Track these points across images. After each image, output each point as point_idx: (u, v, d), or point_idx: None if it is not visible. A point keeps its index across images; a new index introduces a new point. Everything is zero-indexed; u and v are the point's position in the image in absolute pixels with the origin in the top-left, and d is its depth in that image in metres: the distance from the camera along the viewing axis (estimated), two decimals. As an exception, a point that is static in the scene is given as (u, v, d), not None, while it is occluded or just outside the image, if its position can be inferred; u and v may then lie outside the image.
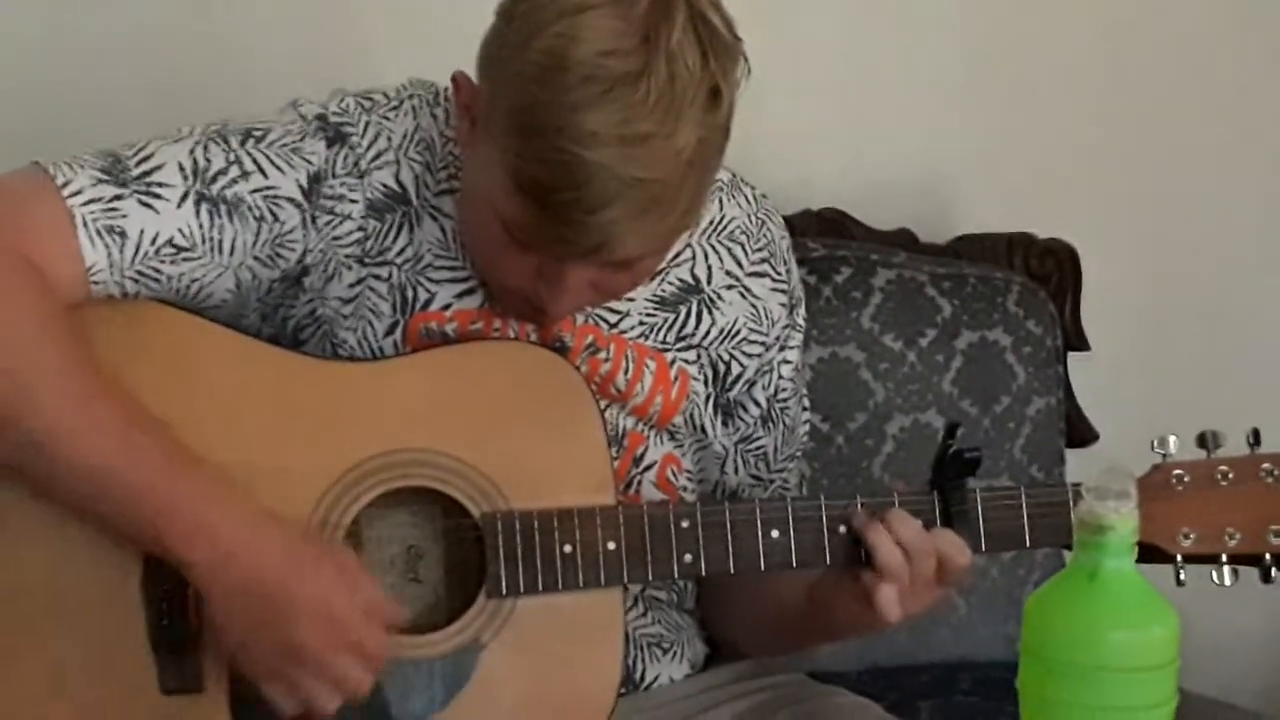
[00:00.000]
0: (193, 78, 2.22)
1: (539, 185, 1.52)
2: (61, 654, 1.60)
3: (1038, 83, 2.52)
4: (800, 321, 1.85)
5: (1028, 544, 1.69)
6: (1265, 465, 1.70)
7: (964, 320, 2.34)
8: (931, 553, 1.63)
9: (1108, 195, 2.54)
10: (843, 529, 1.67)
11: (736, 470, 1.84)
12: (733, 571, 1.67)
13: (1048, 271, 2.44)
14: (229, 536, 1.54)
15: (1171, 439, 1.69)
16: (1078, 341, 2.43)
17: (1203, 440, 1.70)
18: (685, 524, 1.66)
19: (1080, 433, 2.42)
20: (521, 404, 1.67)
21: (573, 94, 1.49)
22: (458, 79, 1.62)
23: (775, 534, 1.67)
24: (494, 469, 1.65)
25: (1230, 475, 1.69)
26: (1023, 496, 1.69)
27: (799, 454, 1.89)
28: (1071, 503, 1.68)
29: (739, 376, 1.80)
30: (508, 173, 1.54)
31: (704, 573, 1.67)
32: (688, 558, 1.66)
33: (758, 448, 1.84)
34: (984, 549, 1.68)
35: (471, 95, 1.61)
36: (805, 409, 1.89)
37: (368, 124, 1.68)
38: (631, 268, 1.60)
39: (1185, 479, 1.69)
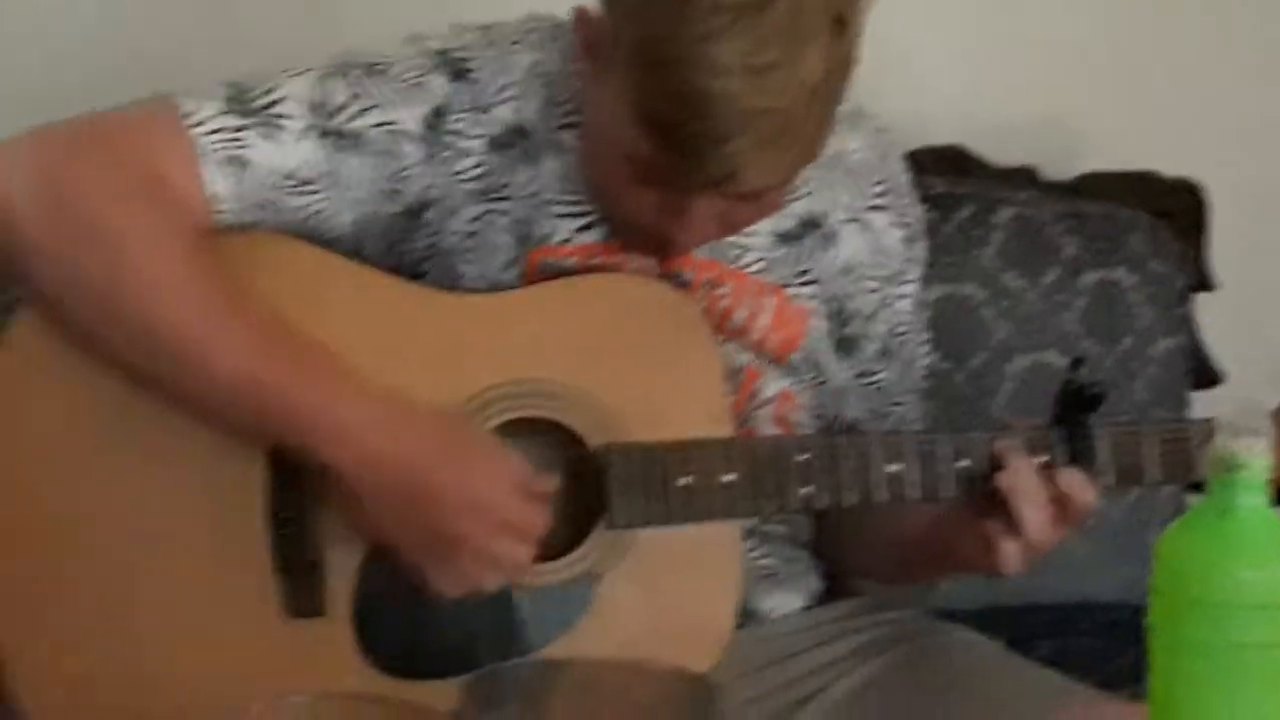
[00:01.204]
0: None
1: (664, 118, 1.51)
2: (180, 573, 1.61)
3: (1162, 17, 2.47)
4: (920, 255, 1.83)
5: (1151, 480, 1.67)
6: (1398, 404, 1.66)
7: (1087, 259, 2.31)
8: (1051, 500, 1.61)
9: (1234, 132, 2.49)
10: (964, 463, 1.65)
11: (855, 405, 1.83)
12: (849, 505, 1.65)
13: (1173, 210, 2.40)
14: (373, 436, 1.56)
15: None
16: (1204, 281, 2.39)
17: None
18: (803, 456, 1.65)
19: (1206, 374, 2.38)
20: (640, 337, 1.67)
21: (697, 24, 1.48)
22: (580, 14, 1.61)
23: (894, 468, 1.65)
24: (612, 400, 1.65)
25: (1363, 415, 1.65)
26: (1148, 432, 1.66)
27: (919, 389, 1.87)
28: (1194, 439, 1.66)
29: (857, 312, 1.79)
30: (632, 107, 1.53)
31: (823, 505, 1.66)
32: (806, 490, 1.65)
33: (875, 382, 1.83)
34: (1110, 484, 1.66)
35: (593, 31, 1.59)
36: (924, 344, 1.87)
37: (489, 59, 1.67)
38: (758, 199, 1.59)
39: (1317, 418, 1.65)
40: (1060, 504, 1.61)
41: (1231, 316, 2.44)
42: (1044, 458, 1.65)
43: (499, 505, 1.57)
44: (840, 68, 1.53)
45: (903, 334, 1.83)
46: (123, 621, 1.62)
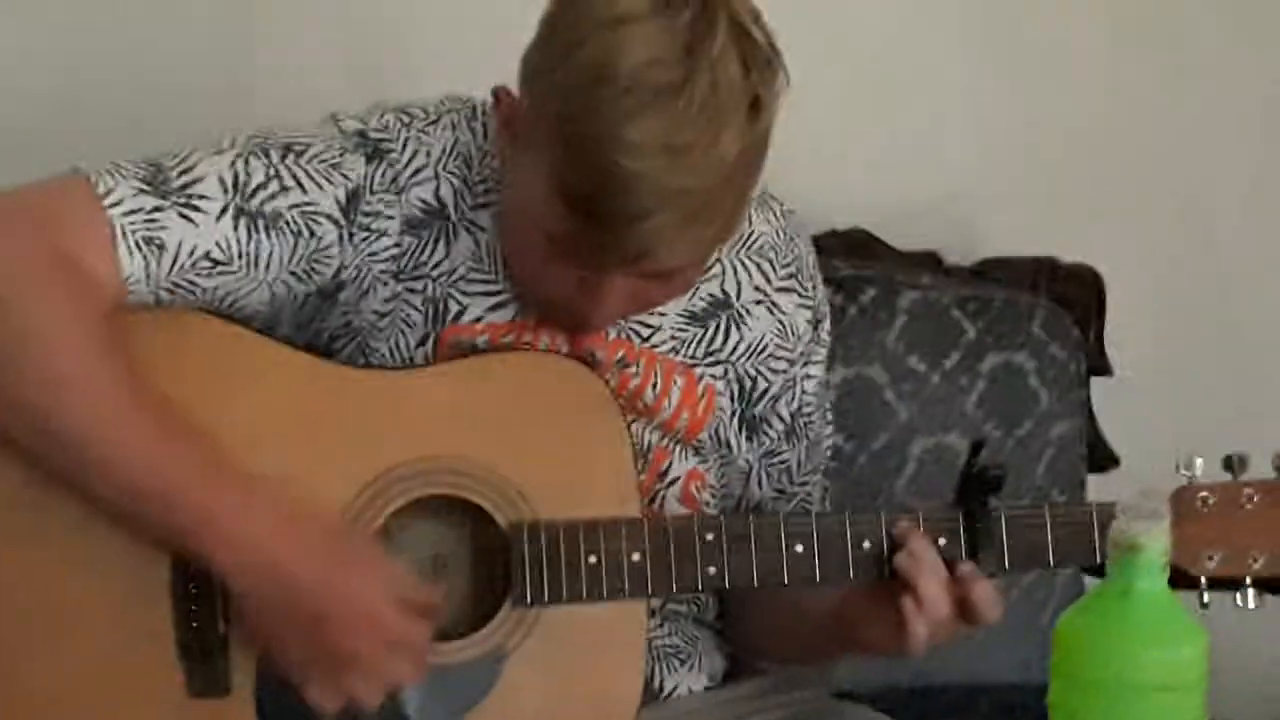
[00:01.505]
0: (232, 89, 2.23)
1: (583, 195, 1.53)
2: (86, 655, 1.60)
3: (1062, 106, 2.52)
4: (825, 337, 1.85)
5: (1051, 563, 1.69)
6: (1292, 490, 1.69)
7: (988, 343, 2.34)
8: (955, 599, 1.63)
9: (1131, 219, 2.54)
10: (866, 545, 1.67)
11: (760, 484, 1.85)
12: (756, 585, 1.67)
13: (1072, 295, 2.44)
14: (266, 544, 1.56)
15: (1198, 460, 1.70)
16: (1100, 366, 2.43)
17: (1229, 463, 1.71)
18: (710, 536, 1.67)
19: (1102, 457, 2.42)
20: (549, 414, 1.68)
21: (616, 104, 1.50)
22: (499, 92, 1.63)
23: (799, 548, 1.67)
24: (521, 478, 1.66)
25: (1255, 499, 1.69)
26: (1047, 515, 1.69)
27: (822, 468, 1.89)
28: (1095, 522, 1.69)
29: (764, 392, 1.81)
30: (551, 183, 1.55)
31: (728, 585, 1.67)
32: (712, 570, 1.67)
33: (781, 462, 1.85)
34: (1007, 567, 1.68)
35: (513, 109, 1.62)
36: (829, 424, 1.90)
37: (406, 140, 1.69)
38: (671, 278, 1.61)
39: (1210, 501, 1.69)
40: (961, 601, 1.63)
41: (1127, 401, 2.47)
42: (944, 539, 1.67)
43: (384, 623, 1.57)
44: (755, 148, 1.56)
45: (808, 414, 1.85)
46: (23, 701, 1.60)
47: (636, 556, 1.66)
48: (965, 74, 2.49)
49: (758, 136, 1.56)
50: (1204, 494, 1.70)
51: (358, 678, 1.57)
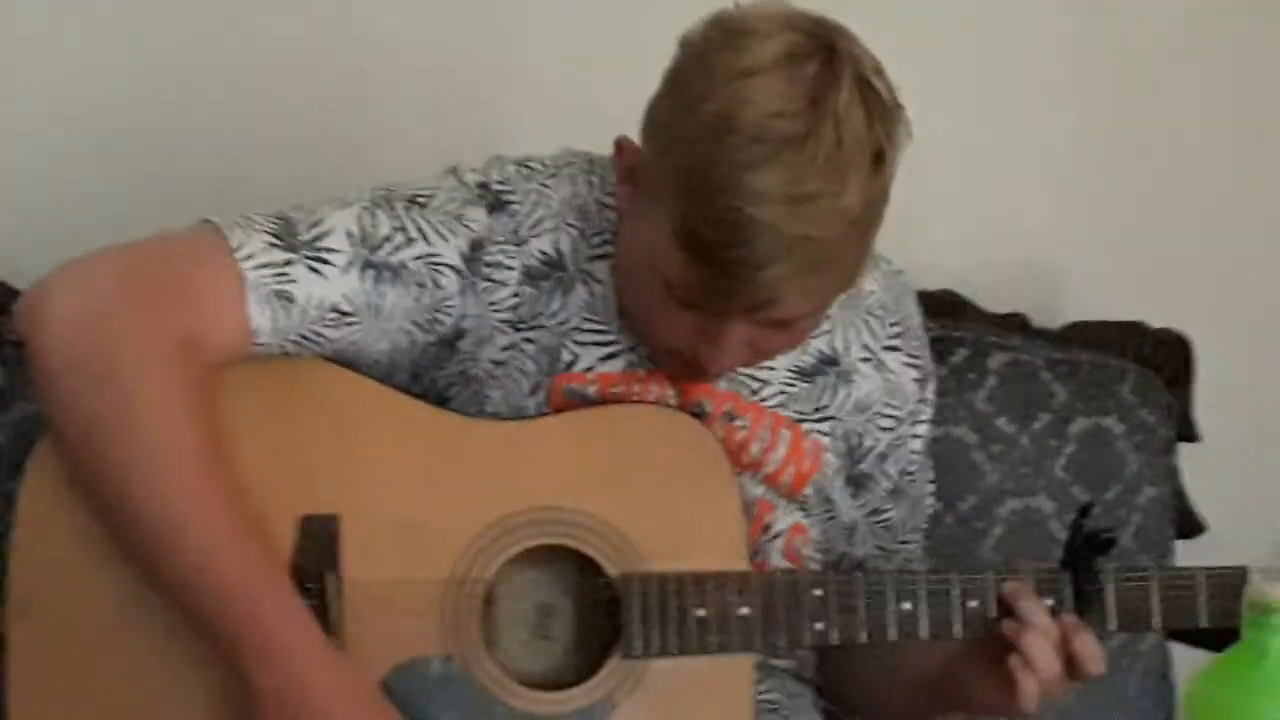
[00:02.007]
0: (331, 151, 2.26)
1: (707, 243, 1.54)
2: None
3: (1152, 169, 2.53)
4: (931, 397, 1.87)
5: (1156, 627, 1.69)
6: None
7: (1078, 406, 2.34)
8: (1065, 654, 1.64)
9: (1220, 283, 2.54)
10: (973, 603, 1.68)
11: (863, 541, 1.86)
12: (863, 641, 1.68)
13: (1159, 360, 2.44)
14: (303, 666, 1.56)
15: None
16: (1188, 432, 2.43)
17: None
18: (818, 592, 1.68)
19: (1189, 524, 2.41)
20: (660, 467, 1.69)
21: (742, 154, 1.52)
22: (622, 143, 1.65)
23: (907, 606, 1.68)
24: (631, 530, 1.67)
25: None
26: (1154, 579, 1.69)
27: (924, 526, 1.90)
28: (1201, 587, 1.69)
29: (871, 450, 1.82)
30: (675, 232, 1.56)
31: (835, 641, 1.68)
32: (819, 626, 1.67)
33: (884, 520, 1.86)
34: (1114, 629, 1.69)
35: (635, 159, 1.64)
36: (931, 483, 1.90)
37: (528, 192, 1.71)
38: (790, 327, 1.63)
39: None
40: (1068, 657, 1.64)
41: (1213, 468, 2.47)
42: (1051, 600, 1.68)
43: None
44: (877, 201, 1.58)
45: (912, 474, 1.86)
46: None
47: (745, 610, 1.66)
48: (1052, 136, 2.50)
49: (880, 189, 1.57)
50: (1314, 560, 1.69)
51: None
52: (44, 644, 1.61)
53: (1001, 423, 2.32)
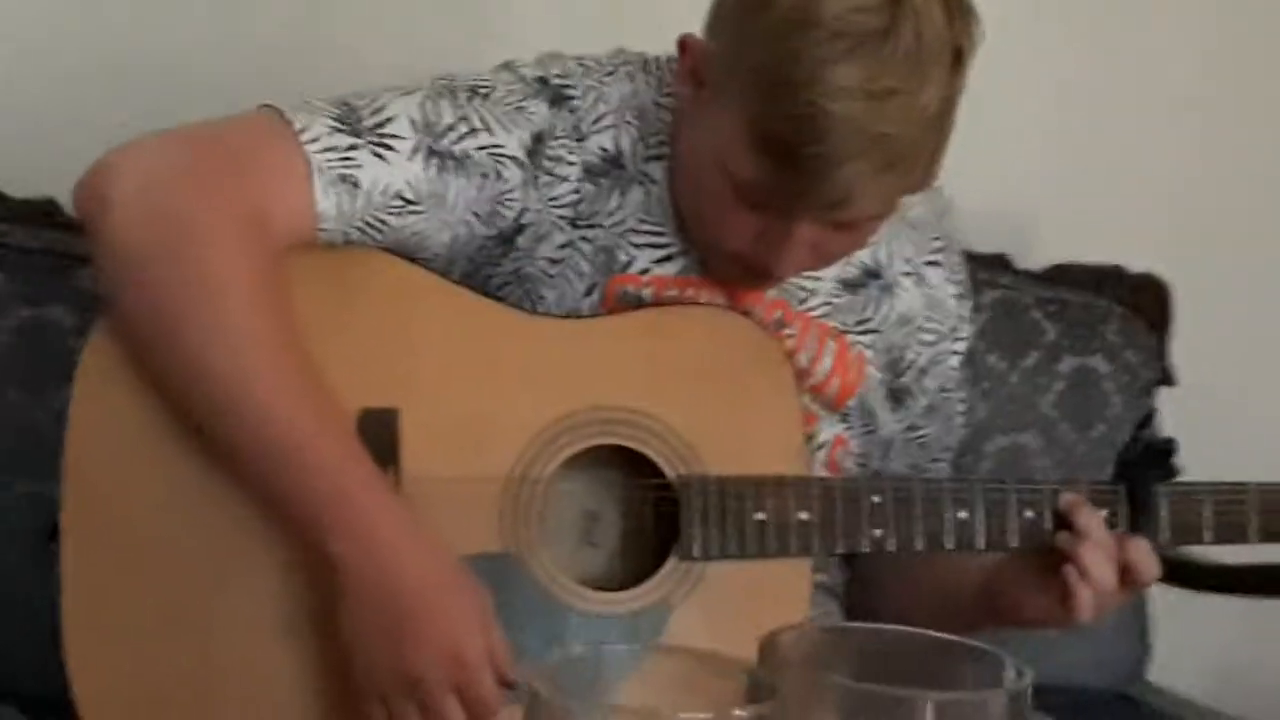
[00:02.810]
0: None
1: (783, 141, 1.52)
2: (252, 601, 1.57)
3: (1124, 112, 2.56)
4: (969, 314, 1.86)
5: (1209, 540, 1.71)
6: None
7: (1066, 345, 2.36)
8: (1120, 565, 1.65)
9: (1196, 229, 2.58)
10: (1029, 514, 1.68)
11: (898, 458, 1.85)
12: (919, 549, 1.67)
13: (1138, 305, 2.46)
14: (386, 539, 1.51)
15: None
16: (1167, 376, 2.45)
17: None
18: (876, 499, 1.67)
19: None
20: (722, 369, 1.67)
21: (821, 49, 1.50)
22: (687, 41, 1.62)
23: (964, 514, 1.67)
24: (691, 432, 1.65)
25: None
26: (1208, 492, 1.70)
27: (953, 447, 1.90)
28: (1254, 501, 1.71)
29: (912, 363, 1.81)
30: (748, 130, 1.54)
31: (891, 549, 1.67)
32: (878, 532, 1.66)
33: (920, 436, 1.85)
34: (1167, 541, 1.70)
35: (701, 58, 1.61)
36: (963, 402, 1.90)
37: (588, 88, 1.68)
38: (856, 229, 1.61)
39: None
40: (1123, 567, 1.64)
41: (1189, 411, 2.50)
42: (1104, 512, 1.68)
43: (473, 669, 1.52)
44: (954, 100, 1.57)
45: (949, 391, 1.86)
46: (193, 640, 1.57)
47: (804, 515, 1.65)
48: (1030, 84, 2.51)
49: (957, 88, 1.56)
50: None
51: (410, 704, 1.51)
52: (100, 530, 1.56)
53: (992, 359, 2.33)
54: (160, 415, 1.56)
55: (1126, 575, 1.65)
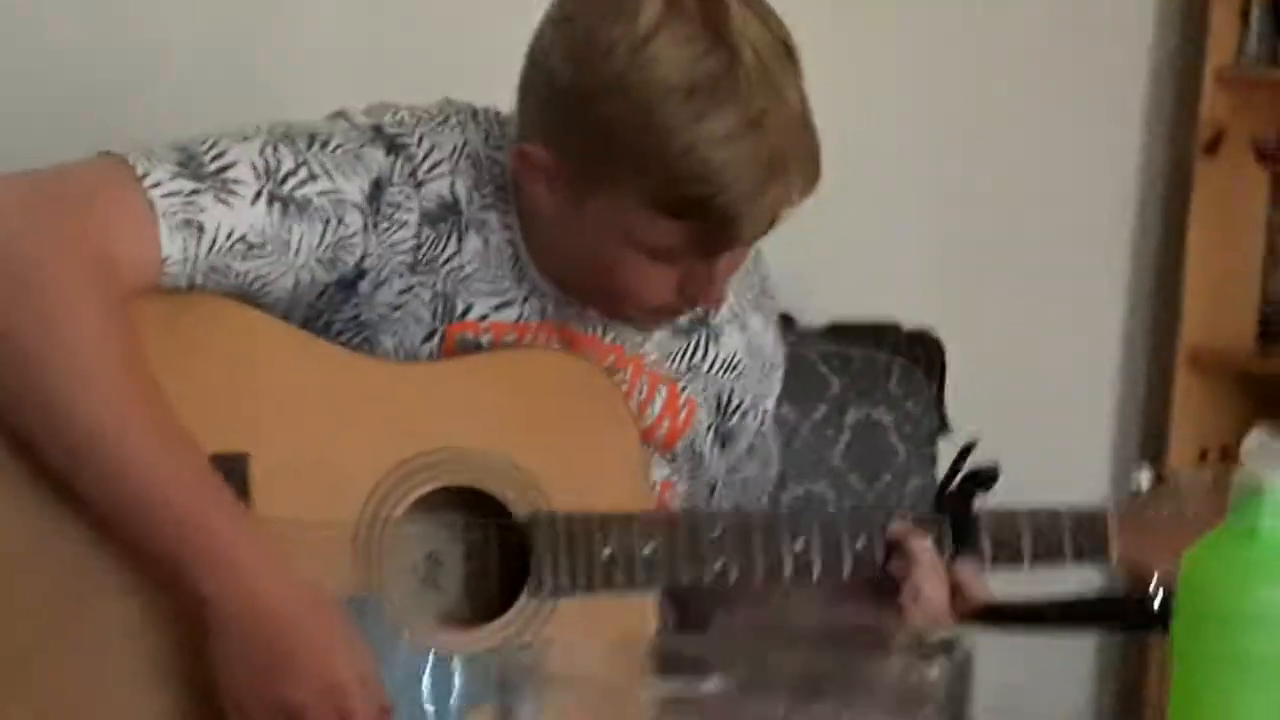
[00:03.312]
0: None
1: (692, 200, 1.59)
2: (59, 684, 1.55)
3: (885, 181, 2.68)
4: (782, 358, 1.93)
5: (1027, 561, 1.79)
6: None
7: (851, 397, 2.45)
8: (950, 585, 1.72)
9: (964, 286, 2.70)
10: (860, 542, 1.74)
11: (720, 500, 1.90)
12: (760, 579, 1.72)
13: (915, 358, 2.56)
14: (250, 575, 1.52)
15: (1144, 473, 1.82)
16: (944, 425, 2.56)
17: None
18: (717, 532, 1.72)
19: (944, 513, 2.53)
20: (563, 409, 1.71)
21: (687, 110, 1.57)
22: (526, 151, 1.66)
23: (799, 544, 1.73)
24: (537, 471, 1.68)
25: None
26: (1023, 515, 1.79)
27: (769, 489, 1.96)
28: (1065, 524, 1.80)
29: (737, 407, 1.87)
30: (651, 203, 1.60)
31: (734, 579, 1.72)
32: (719, 564, 1.71)
33: (741, 479, 1.91)
34: (989, 564, 1.77)
35: (550, 164, 1.65)
36: (775, 444, 1.96)
37: (421, 136, 1.71)
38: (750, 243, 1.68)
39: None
40: (955, 590, 1.72)
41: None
42: (930, 539, 1.76)
43: (349, 693, 1.54)
44: (804, 90, 1.65)
45: (764, 431, 1.92)
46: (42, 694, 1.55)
47: (649, 550, 1.69)
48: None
49: (802, 77, 1.64)
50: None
51: None
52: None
53: (783, 411, 2.40)
54: (2, 462, 1.54)
55: (956, 595, 1.72)
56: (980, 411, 2.62)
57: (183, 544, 1.50)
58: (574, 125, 1.63)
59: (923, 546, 1.72)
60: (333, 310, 1.69)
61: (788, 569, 1.73)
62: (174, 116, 1.95)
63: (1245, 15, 2.83)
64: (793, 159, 1.61)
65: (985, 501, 1.78)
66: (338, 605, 1.56)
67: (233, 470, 1.60)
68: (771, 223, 1.64)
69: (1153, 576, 1.81)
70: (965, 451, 1.77)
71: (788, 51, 1.63)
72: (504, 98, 1.73)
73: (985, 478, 1.76)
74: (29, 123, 2.14)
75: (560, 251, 1.71)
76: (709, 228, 1.61)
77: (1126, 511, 1.83)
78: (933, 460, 2.51)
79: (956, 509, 1.77)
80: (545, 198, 1.67)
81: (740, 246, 1.66)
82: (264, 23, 2.29)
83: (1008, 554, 1.78)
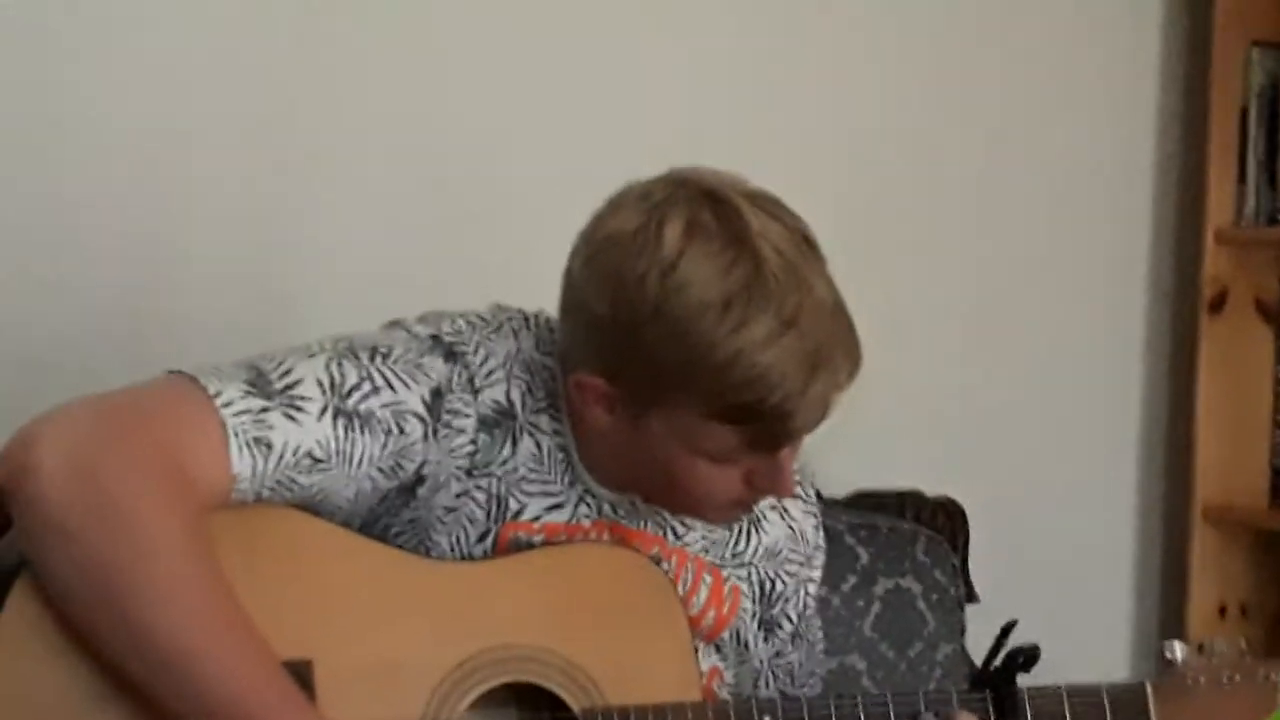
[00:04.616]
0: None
1: (744, 407, 1.66)
2: None
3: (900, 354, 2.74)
4: (823, 542, 1.97)
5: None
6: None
7: (880, 568, 2.49)
8: None
9: (983, 453, 2.75)
10: (910, 725, 1.78)
11: (768, 684, 1.94)
12: (810, 765, 1.76)
13: (938, 527, 2.61)
14: None
15: (1177, 645, 1.87)
16: (970, 593, 2.60)
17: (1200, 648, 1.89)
18: (767, 719, 1.75)
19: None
20: (616, 603, 1.76)
21: (726, 323, 1.65)
22: (584, 382, 1.72)
23: (849, 730, 1.77)
24: (591, 665, 1.72)
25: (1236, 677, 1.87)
26: (1065, 694, 1.83)
27: (819, 672, 2.00)
28: (1106, 701, 1.84)
29: (780, 594, 1.92)
30: (707, 415, 1.67)
31: (784, 769, 1.76)
32: (769, 752, 1.75)
33: (787, 663, 1.95)
34: (1033, 743, 1.81)
35: (607, 389, 1.72)
36: (820, 629, 2.01)
37: (478, 343, 1.77)
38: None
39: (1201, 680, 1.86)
40: None
41: (986, 627, 2.64)
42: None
43: None
44: (830, 275, 1.71)
45: (810, 616, 1.96)
46: None
47: (701, 740, 1.73)
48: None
49: (826, 264, 1.71)
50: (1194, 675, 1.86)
51: None
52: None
53: (817, 584, 2.45)
54: (74, 685, 1.58)
55: None
56: (1000, 574, 2.69)
57: None
58: (621, 354, 1.70)
59: None
60: (391, 514, 1.74)
61: (838, 754, 1.77)
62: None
63: (1242, 176, 2.90)
64: (834, 346, 1.68)
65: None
66: None
67: (298, 677, 1.64)
68: (825, 409, 1.70)
69: (1193, 747, 1.86)
70: (1007, 630, 1.81)
71: (807, 242, 1.70)
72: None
73: (1028, 657, 1.80)
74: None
75: (623, 461, 1.77)
76: (766, 427, 1.67)
77: (1165, 683, 1.86)
78: (961, 629, 2.56)
79: (999, 686, 1.81)
80: (606, 419, 1.74)
81: (799, 438, 1.71)
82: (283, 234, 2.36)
83: (1051, 730, 1.82)
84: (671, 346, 1.65)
